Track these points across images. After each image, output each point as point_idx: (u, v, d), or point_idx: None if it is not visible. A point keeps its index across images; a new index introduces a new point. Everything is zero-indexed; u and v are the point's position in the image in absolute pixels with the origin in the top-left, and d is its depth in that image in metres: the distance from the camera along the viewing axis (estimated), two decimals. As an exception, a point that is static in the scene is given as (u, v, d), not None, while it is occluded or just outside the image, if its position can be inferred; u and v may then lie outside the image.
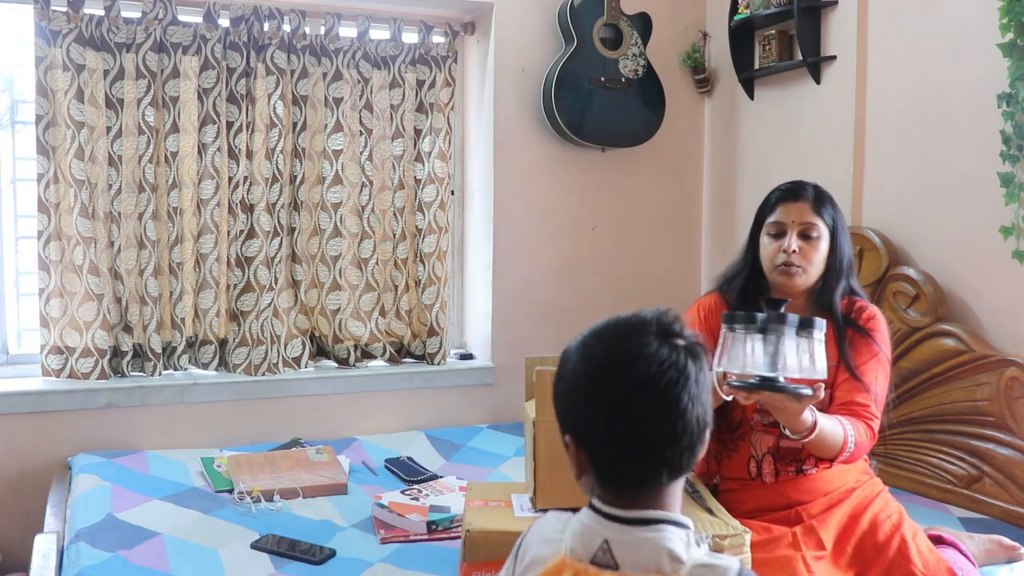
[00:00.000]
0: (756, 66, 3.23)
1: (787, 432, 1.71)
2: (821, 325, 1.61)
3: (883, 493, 1.85)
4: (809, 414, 1.65)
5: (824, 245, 1.85)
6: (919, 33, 2.64)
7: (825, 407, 1.79)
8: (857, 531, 1.76)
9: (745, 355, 1.61)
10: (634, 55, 3.27)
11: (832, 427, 1.71)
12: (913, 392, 2.51)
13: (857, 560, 1.74)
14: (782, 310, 1.62)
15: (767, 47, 3.13)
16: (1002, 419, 2.30)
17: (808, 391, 1.60)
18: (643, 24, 3.29)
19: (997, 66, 2.38)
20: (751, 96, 3.29)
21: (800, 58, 2.97)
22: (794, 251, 1.82)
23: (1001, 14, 2.35)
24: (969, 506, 2.35)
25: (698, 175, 3.59)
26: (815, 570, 1.66)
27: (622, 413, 1.01)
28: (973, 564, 1.87)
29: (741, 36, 3.25)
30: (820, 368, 1.60)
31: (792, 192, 1.87)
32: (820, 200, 1.86)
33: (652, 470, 1.03)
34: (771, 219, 1.88)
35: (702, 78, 3.49)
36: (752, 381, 1.61)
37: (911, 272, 2.55)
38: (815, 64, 2.96)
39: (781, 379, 1.59)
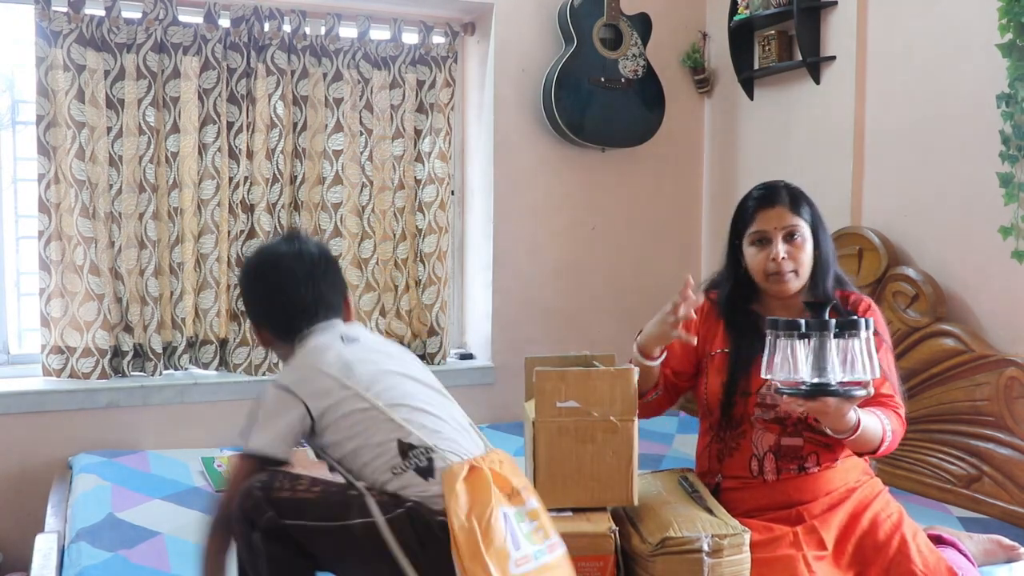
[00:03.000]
0: (756, 66, 3.23)
1: (829, 431, 1.70)
2: (867, 324, 1.61)
3: (883, 493, 1.85)
4: (853, 413, 1.65)
5: (809, 244, 1.86)
6: (919, 33, 2.64)
7: None
8: (857, 530, 1.76)
9: (792, 361, 1.60)
10: (634, 55, 3.27)
11: (872, 422, 1.71)
12: (912, 392, 2.51)
13: (857, 559, 1.74)
14: (826, 314, 1.61)
15: (767, 47, 3.13)
16: (1001, 419, 2.30)
17: (861, 391, 1.60)
18: (643, 24, 3.29)
19: (996, 66, 2.38)
20: (751, 96, 3.29)
21: (800, 58, 2.97)
22: (783, 258, 1.83)
23: (1000, 14, 2.35)
24: (968, 506, 2.35)
25: (698, 175, 3.59)
26: (816, 570, 1.66)
27: (252, 284, 1.76)
28: (972, 564, 1.88)
29: (741, 36, 3.25)
30: (868, 367, 1.60)
31: (767, 198, 1.87)
32: (796, 200, 1.87)
33: (292, 323, 1.68)
34: (752, 228, 1.88)
35: (702, 78, 3.49)
36: (803, 388, 1.59)
37: (910, 272, 2.55)
38: (815, 64, 2.96)
39: (833, 383, 1.58)
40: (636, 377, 1.73)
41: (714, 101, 3.53)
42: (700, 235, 3.61)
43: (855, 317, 1.62)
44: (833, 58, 2.92)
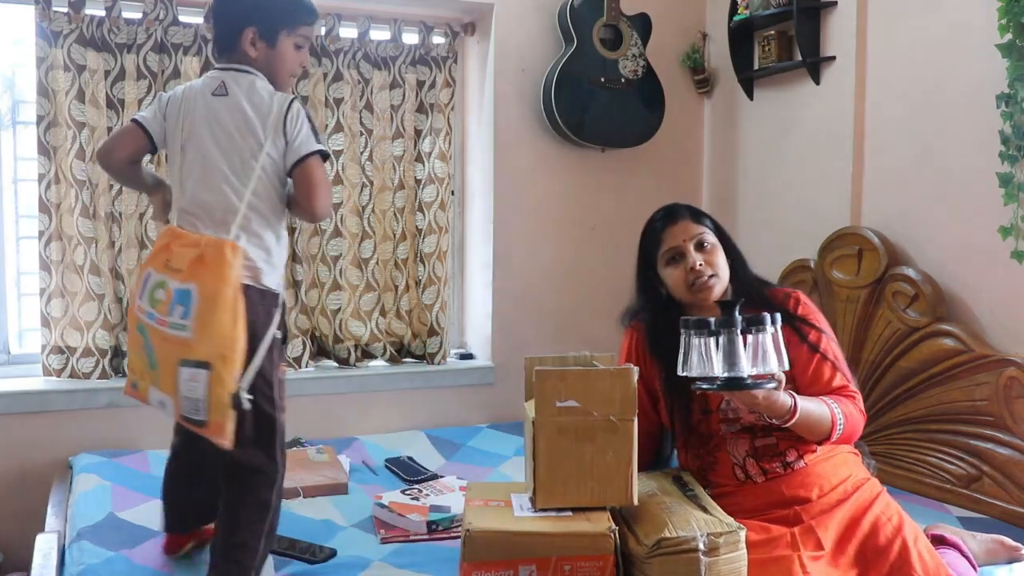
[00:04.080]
0: (755, 66, 3.24)
1: (772, 420, 1.75)
2: (773, 319, 1.66)
3: (883, 495, 1.85)
4: (788, 397, 1.71)
5: (719, 250, 1.92)
6: (919, 33, 2.65)
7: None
8: (858, 533, 1.76)
9: (706, 358, 1.66)
10: (634, 55, 3.27)
11: (815, 406, 1.76)
12: (912, 392, 2.52)
13: (858, 563, 1.73)
14: (736, 311, 1.66)
15: (766, 48, 3.14)
16: (1001, 419, 2.30)
17: (771, 384, 1.66)
18: (643, 25, 3.29)
19: (996, 66, 2.38)
20: (750, 96, 3.29)
21: (799, 59, 2.98)
22: (701, 264, 1.87)
23: (1000, 15, 2.35)
24: (968, 506, 2.35)
25: (698, 175, 3.59)
26: (811, 570, 1.66)
27: None
28: (974, 567, 1.87)
29: (740, 37, 3.25)
30: (777, 361, 1.65)
31: (670, 216, 1.95)
32: (696, 213, 1.95)
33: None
34: (664, 248, 1.93)
35: (701, 78, 3.49)
36: (718, 383, 1.66)
37: (910, 272, 2.56)
38: (814, 64, 2.96)
39: (746, 377, 1.64)
40: (635, 376, 1.73)
41: (714, 101, 3.53)
42: (700, 235, 3.60)
43: (762, 313, 1.67)
44: (833, 58, 2.92)
